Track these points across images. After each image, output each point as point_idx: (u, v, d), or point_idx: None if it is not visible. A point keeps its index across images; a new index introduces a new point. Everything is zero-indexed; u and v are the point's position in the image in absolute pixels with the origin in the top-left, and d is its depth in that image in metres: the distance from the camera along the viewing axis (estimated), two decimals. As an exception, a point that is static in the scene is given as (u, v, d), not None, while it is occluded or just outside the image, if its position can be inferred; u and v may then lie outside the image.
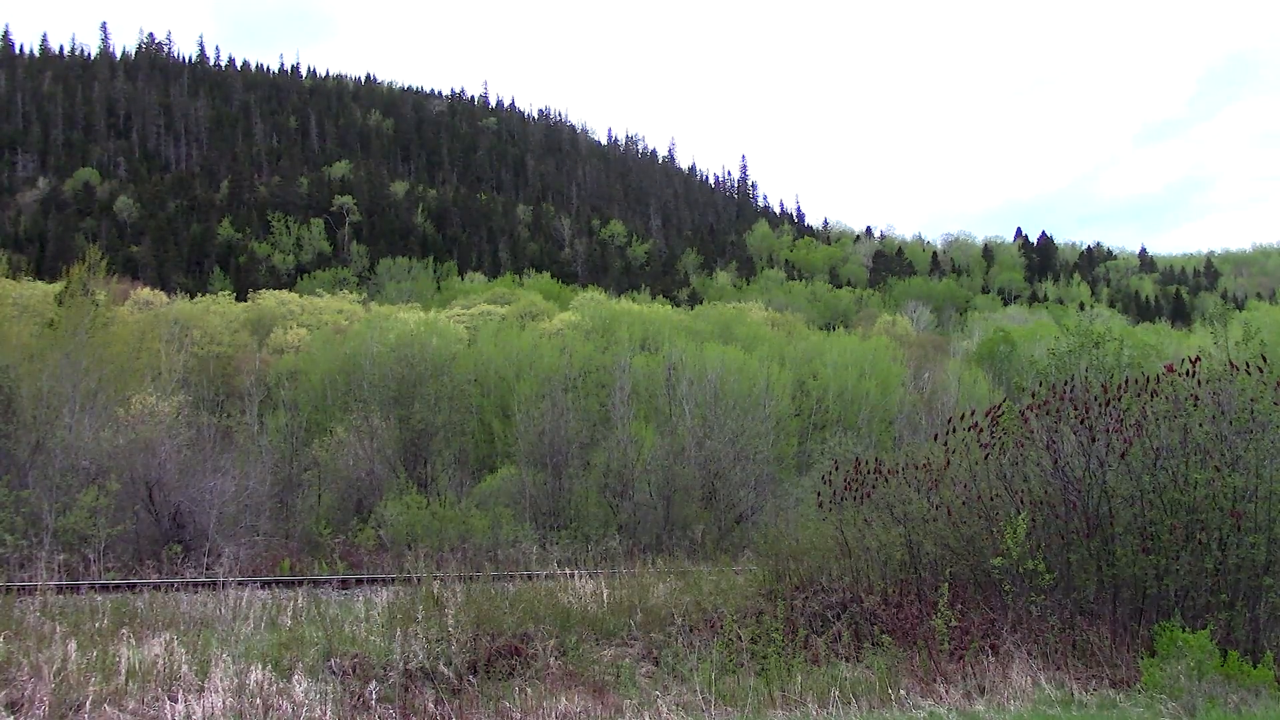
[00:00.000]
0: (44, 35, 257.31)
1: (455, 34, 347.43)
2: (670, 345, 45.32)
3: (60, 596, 14.13)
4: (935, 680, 11.19)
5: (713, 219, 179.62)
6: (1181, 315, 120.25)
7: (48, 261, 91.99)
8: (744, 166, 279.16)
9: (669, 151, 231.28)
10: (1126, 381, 14.03)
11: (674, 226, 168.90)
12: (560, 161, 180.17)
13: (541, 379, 39.34)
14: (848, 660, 12.18)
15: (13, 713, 8.88)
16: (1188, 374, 13.72)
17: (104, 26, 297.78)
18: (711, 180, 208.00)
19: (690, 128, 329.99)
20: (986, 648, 12.07)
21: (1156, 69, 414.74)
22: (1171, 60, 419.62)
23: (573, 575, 16.48)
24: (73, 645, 10.35)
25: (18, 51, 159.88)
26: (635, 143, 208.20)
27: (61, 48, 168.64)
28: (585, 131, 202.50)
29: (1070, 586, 13.20)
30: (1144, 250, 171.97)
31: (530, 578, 17.58)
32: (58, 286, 42.53)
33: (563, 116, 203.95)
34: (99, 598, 14.21)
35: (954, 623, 12.25)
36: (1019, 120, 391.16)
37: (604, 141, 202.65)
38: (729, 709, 10.35)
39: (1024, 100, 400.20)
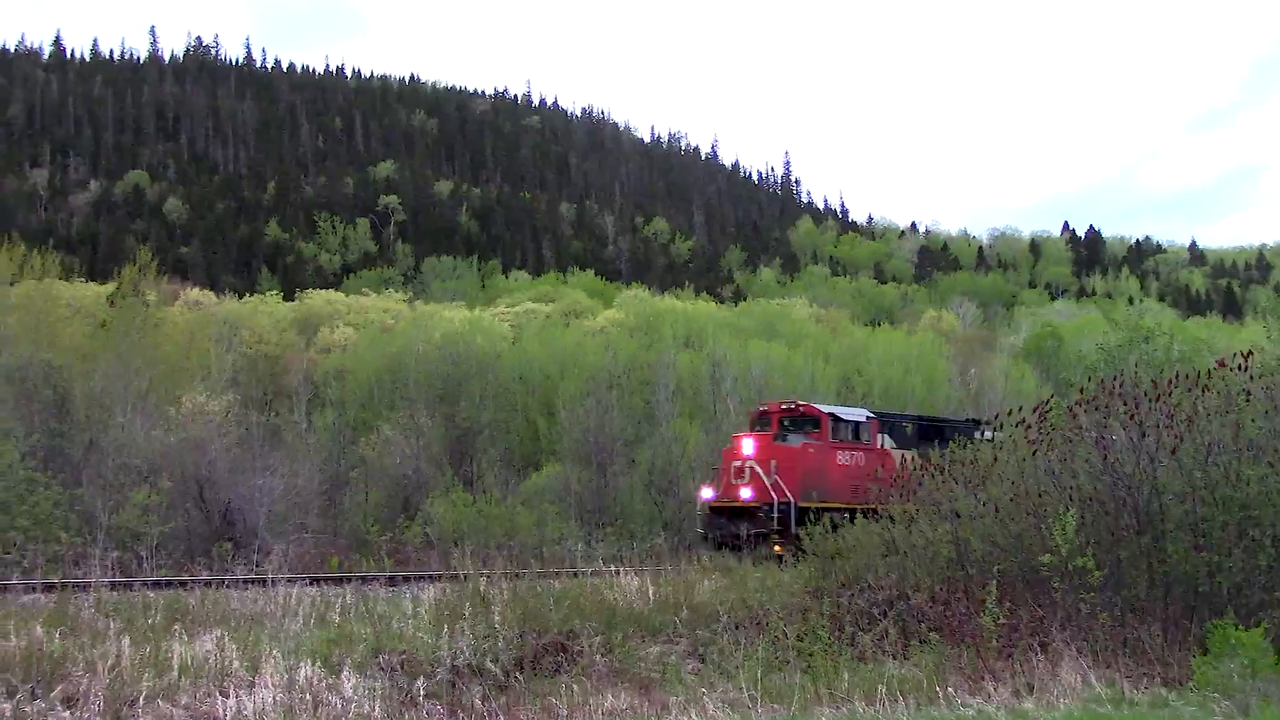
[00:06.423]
0: (94, 40, 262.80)
1: (499, 33, 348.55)
2: (714, 342, 45.26)
3: (114, 593, 14.33)
4: (983, 678, 11.11)
5: (756, 215, 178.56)
6: (1233, 309, 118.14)
7: (99, 263, 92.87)
8: (787, 163, 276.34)
9: (711, 148, 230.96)
10: (1177, 376, 13.86)
11: (717, 223, 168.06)
12: (603, 159, 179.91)
13: (586, 377, 39.42)
14: (895, 658, 12.13)
15: (69, 708, 9.01)
16: (1239, 368, 13.53)
17: (153, 30, 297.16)
18: (754, 177, 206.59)
19: (732, 124, 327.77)
20: (1035, 645, 11.96)
21: (1208, 55, 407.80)
22: (1224, 46, 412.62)
23: (618, 572, 16.48)
24: (126, 641, 10.47)
25: (69, 56, 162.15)
26: (678, 140, 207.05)
27: (111, 52, 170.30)
28: (628, 129, 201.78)
29: (1120, 584, 13.05)
30: (1194, 243, 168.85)
31: (576, 575, 17.61)
32: (109, 288, 43.18)
33: (605, 114, 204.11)
34: (151, 594, 14.38)
35: (1002, 620, 12.14)
36: (1065, 111, 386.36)
37: (646, 139, 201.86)
38: (775, 706, 10.32)
39: (1070, 90, 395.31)
